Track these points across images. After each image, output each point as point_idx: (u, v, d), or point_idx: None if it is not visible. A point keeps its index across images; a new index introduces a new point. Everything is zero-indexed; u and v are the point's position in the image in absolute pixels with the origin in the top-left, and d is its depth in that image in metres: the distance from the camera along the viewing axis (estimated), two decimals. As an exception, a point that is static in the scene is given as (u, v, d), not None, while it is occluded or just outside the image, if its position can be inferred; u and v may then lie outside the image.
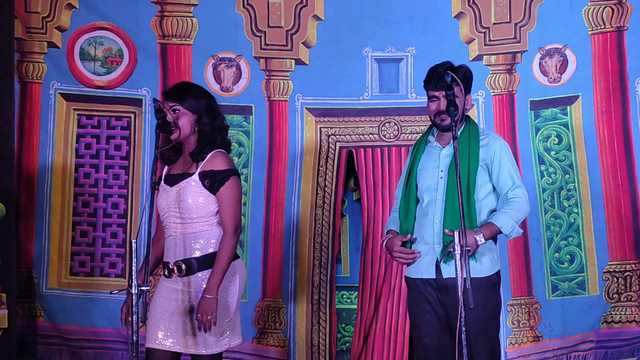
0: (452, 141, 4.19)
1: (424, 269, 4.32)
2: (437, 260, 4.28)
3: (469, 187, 4.25)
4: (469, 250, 3.99)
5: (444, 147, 4.38)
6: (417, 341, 4.38)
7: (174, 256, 4.19)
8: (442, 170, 4.33)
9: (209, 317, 4.06)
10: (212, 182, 4.18)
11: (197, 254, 4.17)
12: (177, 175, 4.25)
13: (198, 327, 4.08)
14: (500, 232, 4.27)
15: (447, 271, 4.24)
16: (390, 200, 5.80)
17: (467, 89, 4.36)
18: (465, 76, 4.33)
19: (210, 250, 4.18)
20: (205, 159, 4.21)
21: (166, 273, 4.20)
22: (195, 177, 4.19)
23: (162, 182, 4.26)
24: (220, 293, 4.13)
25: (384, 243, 4.40)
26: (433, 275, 4.30)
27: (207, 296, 4.08)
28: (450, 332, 4.21)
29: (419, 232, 4.34)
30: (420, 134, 5.78)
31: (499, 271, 4.37)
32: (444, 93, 4.21)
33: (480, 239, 4.18)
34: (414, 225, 4.36)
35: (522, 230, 4.38)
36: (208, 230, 4.19)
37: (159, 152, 4.10)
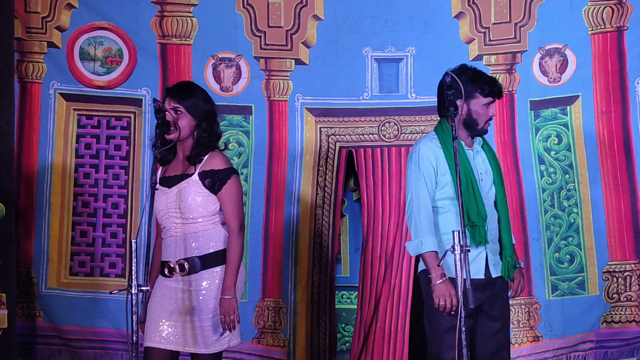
0: (472, 143, 4.38)
1: (473, 269, 4.24)
2: (487, 259, 4.33)
3: (503, 191, 4.41)
4: (469, 250, 4.00)
5: (472, 150, 4.42)
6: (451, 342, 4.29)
7: (174, 255, 4.19)
8: (481, 173, 4.38)
9: (232, 317, 4.12)
10: (213, 181, 4.19)
11: (198, 253, 4.17)
12: (174, 177, 4.25)
13: (222, 327, 4.13)
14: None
15: (496, 270, 4.35)
16: (391, 200, 5.79)
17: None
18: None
19: (211, 250, 4.18)
20: (203, 160, 4.21)
21: (166, 272, 4.20)
22: (195, 177, 4.19)
23: (158, 184, 4.25)
24: (201, 294, 4.16)
25: (442, 280, 4.23)
26: (482, 276, 4.32)
27: (226, 297, 4.12)
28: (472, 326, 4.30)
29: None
30: (421, 134, 5.83)
31: None
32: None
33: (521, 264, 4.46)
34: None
35: None
36: (209, 230, 4.20)
37: (158, 152, 4.10)
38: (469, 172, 4.31)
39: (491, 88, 4.39)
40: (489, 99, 4.38)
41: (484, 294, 4.31)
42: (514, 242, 4.48)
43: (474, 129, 4.39)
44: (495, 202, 4.41)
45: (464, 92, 4.28)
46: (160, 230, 4.33)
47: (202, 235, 4.19)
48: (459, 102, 4.29)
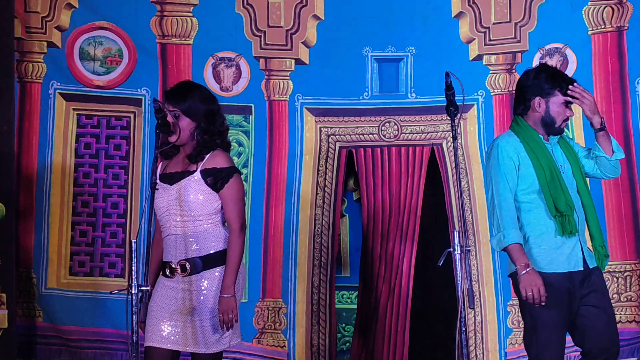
0: (550, 139, 4.38)
1: (572, 262, 4.29)
2: (582, 250, 4.31)
3: (585, 182, 4.41)
4: (469, 250, 4.00)
5: (546, 142, 4.41)
6: (548, 341, 4.28)
7: (175, 256, 4.19)
8: (562, 165, 4.38)
9: (230, 316, 4.11)
10: (216, 179, 4.18)
11: (199, 253, 4.17)
12: (175, 173, 4.24)
13: (220, 326, 4.12)
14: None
15: (592, 261, 4.33)
16: (391, 200, 5.79)
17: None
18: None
19: (212, 251, 4.18)
20: (205, 158, 4.21)
21: (167, 273, 4.19)
22: (197, 174, 4.19)
23: (159, 180, 4.24)
24: (202, 294, 4.16)
25: (527, 271, 4.21)
26: (581, 267, 4.30)
27: (225, 295, 4.11)
28: (572, 321, 4.29)
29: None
30: (421, 134, 5.83)
31: None
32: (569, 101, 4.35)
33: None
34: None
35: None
36: (210, 229, 4.19)
37: (158, 152, 4.09)
38: (551, 163, 4.32)
39: (564, 83, 4.39)
40: (568, 98, 4.36)
41: (585, 288, 4.29)
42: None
43: (551, 128, 4.38)
44: (578, 193, 4.39)
45: (543, 89, 4.33)
46: (157, 227, 4.32)
47: (203, 235, 4.18)
48: (537, 100, 4.33)
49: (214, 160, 4.20)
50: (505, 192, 4.30)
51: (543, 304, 4.14)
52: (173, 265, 4.18)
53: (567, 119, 4.40)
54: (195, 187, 4.18)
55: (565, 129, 5.71)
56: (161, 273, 4.25)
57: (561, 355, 4.27)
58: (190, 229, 4.18)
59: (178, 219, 4.19)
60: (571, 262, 4.29)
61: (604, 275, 5.63)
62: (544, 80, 4.34)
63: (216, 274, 4.17)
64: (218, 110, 4.29)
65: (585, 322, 4.29)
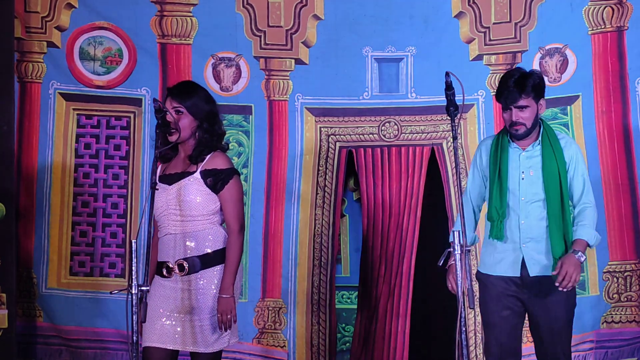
0: (532, 144, 4.40)
1: (508, 267, 4.40)
2: (522, 259, 4.37)
3: (562, 189, 4.38)
4: (469, 250, 4.01)
5: (523, 150, 4.44)
6: (492, 338, 4.42)
7: (173, 255, 4.19)
8: (522, 172, 4.41)
9: (229, 317, 4.12)
10: (215, 181, 4.19)
11: (197, 252, 4.17)
12: (175, 174, 4.24)
13: (219, 326, 4.12)
14: (589, 246, 4.39)
15: (535, 270, 4.36)
16: (391, 200, 5.79)
17: (540, 96, 4.41)
18: (535, 84, 4.38)
19: (209, 250, 4.18)
20: (205, 159, 4.21)
21: (164, 273, 4.19)
22: (197, 175, 4.19)
23: (158, 181, 4.24)
24: (201, 293, 4.16)
25: (450, 266, 4.40)
26: (518, 274, 4.38)
27: (224, 296, 4.12)
28: (521, 328, 4.42)
29: (506, 231, 4.42)
30: (421, 134, 5.83)
31: None
32: (516, 105, 4.33)
33: (580, 256, 4.31)
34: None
35: (600, 237, 4.47)
36: (208, 229, 4.19)
37: (158, 152, 4.09)
38: (502, 167, 4.39)
39: (497, 96, 4.47)
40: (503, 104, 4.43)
41: (526, 293, 4.38)
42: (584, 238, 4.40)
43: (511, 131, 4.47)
44: (546, 201, 4.40)
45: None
46: (156, 227, 4.32)
47: (201, 235, 4.19)
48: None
49: (214, 161, 4.21)
50: (466, 190, 4.58)
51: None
52: (170, 265, 4.18)
53: (513, 123, 4.38)
54: (194, 188, 4.18)
55: (565, 129, 5.74)
56: (156, 273, 4.25)
57: (502, 356, 4.38)
58: (188, 229, 4.18)
59: (177, 219, 4.19)
60: (507, 268, 4.39)
61: (604, 275, 5.66)
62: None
63: (215, 273, 4.18)
64: (218, 113, 4.31)
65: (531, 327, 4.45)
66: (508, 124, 4.41)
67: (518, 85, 4.32)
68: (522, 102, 4.34)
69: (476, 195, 4.59)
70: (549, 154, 4.41)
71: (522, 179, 4.41)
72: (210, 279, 4.17)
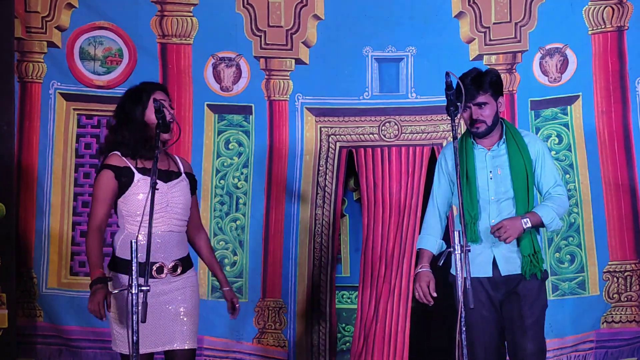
0: (497, 143, 4.42)
1: (480, 268, 4.39)
2: (494, 258, 4.38)
3: (528, 186, 4.38)
4: (469, 250, 4.01)
5: (488, 150, 4.45)
6: (474, 338, 4.40)
7: (168, 256, 4.18)
8: (490, 172, 4.42)
9: (238, 305, 4.38)
10: (193, 184, 4.33)
11: (182, 254, 4.24)
12: (170, 172, 4.26)
13: (235, 313, 4.37)
14: (542, 224, 4.36)
15: (506, 269, 4.37)
16: (391, 200, 5.79)
17: (498, 93, 4.43)
18: (492, 81, 4.39)
19: (186, 253, 4.29)
20: (178, 160, 4.33)
21: (154, 273, 4.16)
22: (184, 176, 4.26)
23: (143, 174, 4.18)
24: (195, 293, 4.27)
25: (417, 274, 4.44)
26: (490, 274, 4.39)
27: (226, 288, 4.41)
28: (501, 327, 4.40)
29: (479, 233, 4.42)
30: (421, 134, 5.83)
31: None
32: (474, 102, 4.34)
33: (526, 222, 4.29)
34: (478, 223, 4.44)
35: (562, 224, 4.50)
36: (184, 232, 4.29)
37: (158, 152, 4.09)
38: (470, 170, 4.39)
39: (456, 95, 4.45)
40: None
41: (499, 292, 4.40)
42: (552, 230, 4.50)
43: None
44: (514, 200, 4.41)
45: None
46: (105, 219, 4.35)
47: (183, 237, 4.27)
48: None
49: (186, 164, 4.37)
50: (431, 197, 4.58)
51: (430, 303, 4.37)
52: (167, 265, 4.18)
53: (473, 121, 4.40)
54: (186, 190, 4.25)
55: (565, 129, 5.74)
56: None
57: (486, 355, 4.39)
58: (176, 230, 4.23)
59: (177, 217, 4.22)
60: (480, 269, 4.38)
61: (605, 275, 5.66)
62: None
63: (190, 274, 4.27)
64: None
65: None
66: (468, 123, 4.42)
67: (475, 83, 4.34)
68: (480, 99, 4.36)
69: (442, 201, 4.56)
70: (515, 152, 4.42)
71: (490, 178, 4.42)
72: (186, 280, 4.24)
